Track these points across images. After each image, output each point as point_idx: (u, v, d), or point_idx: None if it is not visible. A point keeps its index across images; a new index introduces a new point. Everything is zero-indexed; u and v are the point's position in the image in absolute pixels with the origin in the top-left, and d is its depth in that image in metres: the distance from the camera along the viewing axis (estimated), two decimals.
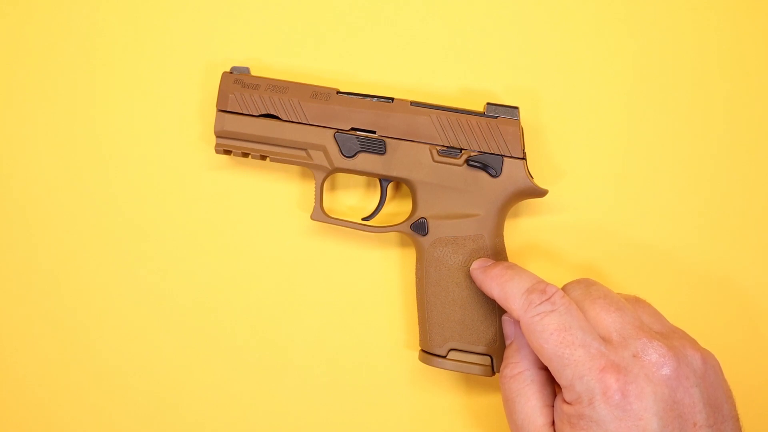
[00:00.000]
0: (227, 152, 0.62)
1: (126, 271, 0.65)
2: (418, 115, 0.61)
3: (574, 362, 0.50)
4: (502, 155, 0.61)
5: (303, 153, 0.61)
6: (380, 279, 0.65)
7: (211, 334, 0.65)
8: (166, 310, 0.65)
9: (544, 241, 0.66)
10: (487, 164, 0.61)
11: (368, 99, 0.61)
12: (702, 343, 0.66)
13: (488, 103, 0.62)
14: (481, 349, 0.60)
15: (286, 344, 0.65)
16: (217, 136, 0.61)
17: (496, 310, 0.60)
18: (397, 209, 0.66)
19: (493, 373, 0.59)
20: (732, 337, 0.66)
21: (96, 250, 0.65)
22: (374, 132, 0.61)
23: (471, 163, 0.61)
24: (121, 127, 0.66)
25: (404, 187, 0.66)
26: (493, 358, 0.60)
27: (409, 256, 0.66)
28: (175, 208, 0.65)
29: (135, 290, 0.65)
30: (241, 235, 0.65)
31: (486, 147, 0.61)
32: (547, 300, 0.52)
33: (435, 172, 0.61)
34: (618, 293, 0.55)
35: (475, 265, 0.59)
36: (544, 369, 0.55)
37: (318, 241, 0.65)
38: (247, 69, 0.62)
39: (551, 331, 0.51)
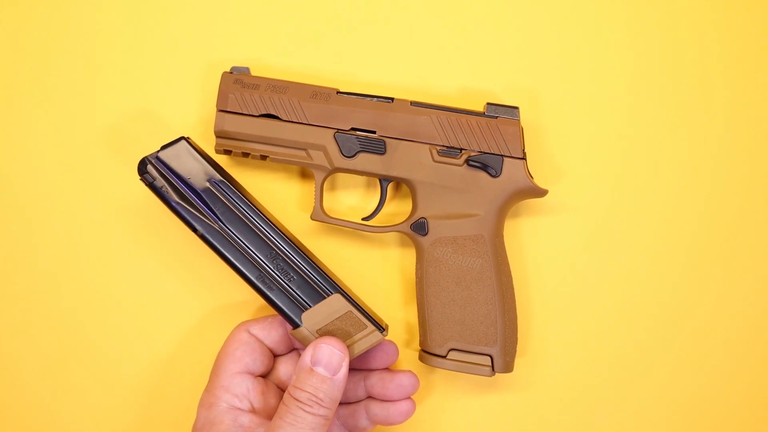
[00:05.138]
0: (227, 152, 0.62)
1: (126, 271, 0.65)
2: (418, 115, 0.61)
3: None
4: (502, 155, 0.61)
5: (303, 153, 0.61)
6: (380, 279, 0.65)
7: (210, 334, 0.65)
8: (165, 309, 0.65)
9: (544, 241, 0.66)
10: (487, 164, 0.61)
11: (368, 99, 0.61)
12: (701, 343, 0.66)
13: (488, 103, 0.62)
14: (481, 349, 0.60)
15: None
16: (217, 136, 0.61)
17: (496, 310, 0.60)
18: (397, 209, 0.66)
19: (493, 373, 0.59)
20: (732, 337, 0.66)
21: (96, 250, 0.65)
22: (374, 132, 0.61)
23: (471, 163, 0.61)
24: (121, 127, 0.66)
25: (404, 187, 0.66)
26: (493, 358, 0.60)
27: (409, 256, 0.66)
28: None
29: (135, 289, 0.65)
30: None
31: (486, 147, 0.61)
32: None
33: (435, 172, 0.61)
34: None
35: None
36: None
37: (318, 241, 0.65)
38: (247, 69, 0.62)
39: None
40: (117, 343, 0.65)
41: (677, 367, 0.66)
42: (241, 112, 0.61)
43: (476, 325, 0.60)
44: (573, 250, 0.66)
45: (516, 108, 0.61)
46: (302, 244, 0.61)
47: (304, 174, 0.66)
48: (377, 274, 0.65)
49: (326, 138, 0.61)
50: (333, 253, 0.65)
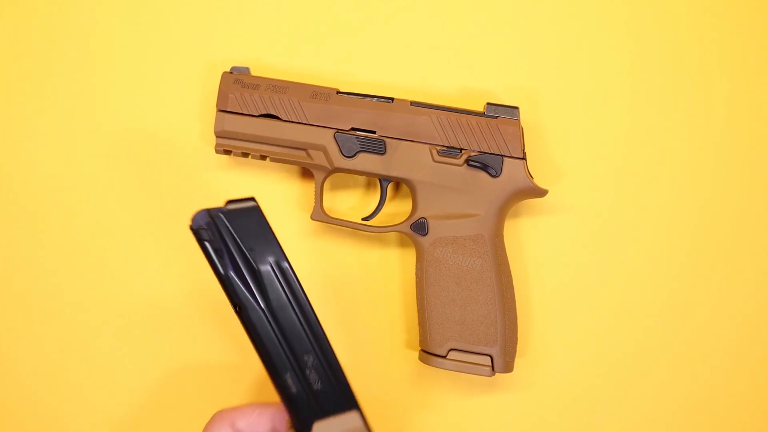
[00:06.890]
0: (227, 152, 0.62)
1: (126, 271, 0.65)
2: (418, 115, 0.61)
3: None
4: (502, 155, 0.61)
5: (303, 153, 0.61)
6: (380, 279, 0.65)
7: (211, 334, 0.65)
8: (166, 309, 0.65)
9: (544, 241, 0.66)
10: (487, 164, 0.61)
11: (368, 99, 0.61)
12: (701, 343, 0.66)
13: (488, 103, 0.62)
14: (481, 349, 0.60)
15: None
16: (217, 136, 0.61)
17: (496, 309, 0.60)
18: (397, 209, 0.66)
19: (493, 373, 0.59)
20: (732, 337, 0.66)
21: (96, 250, 0.65)
22: (374, 132, 0.61)
23: (471, 163, 0.61)
24: (120, 128, 0.66)
25: (404, 187, 0.66)
26: (493, 358, 0.60)
27: (409, 256, 0.66)
28: (176, 208, 0.65)
29: (135, 289, 0.65)
30: None
31: (486, 147, 0.61)
32: None
33: (435, 172, 0.61)
34: None
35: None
36: None
37: (318, 241, 0.65)
38: (247, 69, 0.62)
39: None
40: (117, 344, 0.65)
41: (677, 367, 0.66)
42: (241, 112, 0.61)
43: (476, 325, 0.60)
44: (573, 250, 0.66)
45: (516, 108, 0.61)
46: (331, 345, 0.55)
47: (304, 174, 0.66)
48: (377, 274, 0.66)
49: (326, 138, 0.61)
50: (333, 253, 0.65)
